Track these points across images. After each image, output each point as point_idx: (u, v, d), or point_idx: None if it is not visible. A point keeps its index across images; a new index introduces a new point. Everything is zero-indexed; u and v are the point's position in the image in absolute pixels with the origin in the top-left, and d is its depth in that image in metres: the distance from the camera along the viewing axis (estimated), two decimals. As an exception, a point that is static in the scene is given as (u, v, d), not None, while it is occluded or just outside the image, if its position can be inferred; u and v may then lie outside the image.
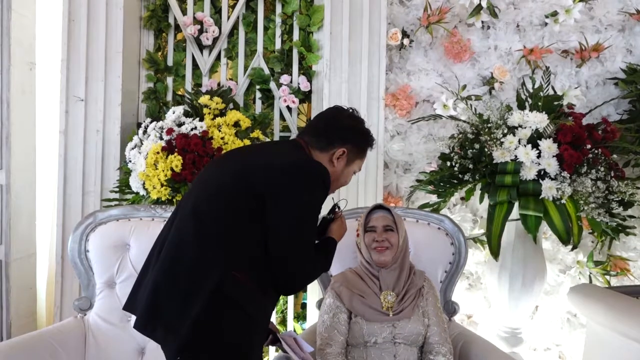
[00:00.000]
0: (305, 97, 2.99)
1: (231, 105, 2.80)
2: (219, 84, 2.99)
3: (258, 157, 1.58)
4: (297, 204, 1.44)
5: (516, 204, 2.33)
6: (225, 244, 1.42)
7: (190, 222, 1.47)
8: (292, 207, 1.43)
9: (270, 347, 1.62)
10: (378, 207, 2.06)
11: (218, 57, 3.03)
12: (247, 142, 2.51)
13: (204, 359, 1.41)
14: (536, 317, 2.92)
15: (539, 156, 2.31)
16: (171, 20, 3.03)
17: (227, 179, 1.49)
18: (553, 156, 2.30)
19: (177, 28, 3.04)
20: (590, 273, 2.77)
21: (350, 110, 1.71)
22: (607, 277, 2.73)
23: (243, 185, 1.46)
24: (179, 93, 3.03)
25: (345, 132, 1.64)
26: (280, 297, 2.78)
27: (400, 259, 1.98)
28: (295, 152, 1.58)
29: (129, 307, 1.57)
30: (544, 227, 2.45)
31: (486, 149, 2.38)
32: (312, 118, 1.92)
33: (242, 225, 1.43)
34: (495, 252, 2.32)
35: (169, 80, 3.04)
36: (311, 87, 2.97)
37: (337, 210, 1.75)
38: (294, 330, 2.83)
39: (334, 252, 1.66)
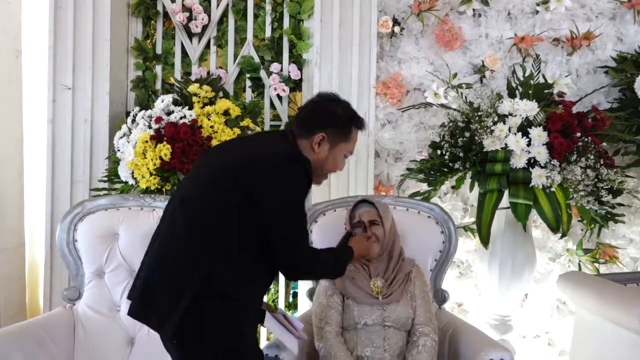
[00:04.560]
0: (295, 85, 2.97)
1: (221, 94, 2.77)
2: (208, 72, 2.96)
3: (244, 150, 1.60)
4: (282, 195, 1.47)
5: (506, 192, 2.33)
6: (212, 236, 1.45)
7: (181, 215, 1.51)
8: (279, 199, 1.47)
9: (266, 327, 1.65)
10: (362, 201, 2.07)
11: (207, 45, 3.00)
12: (237, 130, 2.50)
13: (196, 347, 1.44)
14: (526, 304, 2.93)
15: (529, 144, 2.31)
16: (160, 8, 2.99)
17: (216, 174, 1.53)
18: (543, 144, 2.30)
19: (166, 15, 3.00)
20: (580, 261, 2.78)
21: (332, 95, 1.72)
22: (596, 264, 2.74)
23: (229, 180, 1.49)
24: (168, 81, 3.00)
25: (324, 117, 1.64)
26: (272, 286, 2.81)
27: (389, 248, 2.01)
28: (278, 144, 1.60)
29: (129, 295, 1.63)
30: (534, 215, 2.46)
31: (476, 137, 2.38)
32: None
33: (228, 218, 1.46)
34: (485, 241, 2.33)
35: (158, 69, 3.01)
36: (302, 75, 2.95)
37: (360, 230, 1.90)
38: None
39: (347, 258, 1.70)
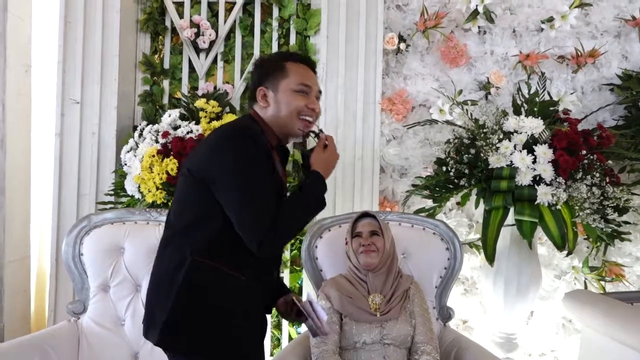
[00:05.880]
0: (301, 101, 2.98)
1: (227, 109, 2.80)
2: (215, 87, 2.98)
3: (201, 144, 1.57)
4: (230, 170, 1.40)
5: (511, 210, 2.33)
6: (184, 234, 1.45)
7: (166, 225, 1.55)
8: (228, 175, 1.40)
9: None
10: (364, 214, 2.09)
11: (214, 61, 3.03)
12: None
13: (184, 349, 1.42)
14: (531, 322, 2.91)
15: (534, 162, 2.31)
16: (168, 24, 3.03)
17: (181, 175, 1.54)
18: (548, 162, 2.30)
19: (174, 31, 3.03)
20: (586, 279, 2.77)
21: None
22: (602, 282, 2.73)
23: (187, 174, 1.49)
24: (175, 96, 3.02)
25: (256, 75, 1.61)
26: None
27: (387, 264, 2.01)
28: (227, 125, 1.57)
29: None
30: (539, 232, 2.44)
31: (482, 154, 2.38)
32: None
33: (195, 212, 1.45)
34: (490, 258, 2.32)
35: (165, 83, 3.04)
36: (308, 91, 2.96)
37: (319, 133, 1.60)
38: (289, 335, 2.82)
39: (319, 186, 1.52)
